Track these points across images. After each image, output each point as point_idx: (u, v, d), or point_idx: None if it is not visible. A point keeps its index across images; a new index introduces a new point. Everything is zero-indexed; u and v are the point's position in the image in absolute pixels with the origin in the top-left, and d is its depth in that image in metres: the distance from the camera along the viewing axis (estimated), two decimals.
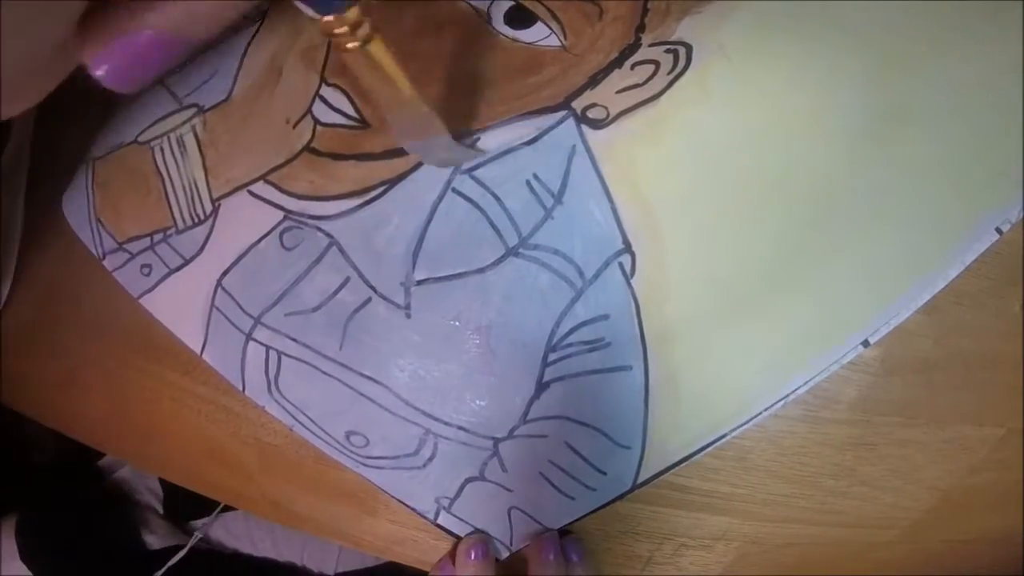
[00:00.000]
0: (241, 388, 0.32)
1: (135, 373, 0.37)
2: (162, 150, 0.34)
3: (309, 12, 0.19)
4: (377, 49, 0.21)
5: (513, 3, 0.30)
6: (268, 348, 0.32)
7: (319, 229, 0.31)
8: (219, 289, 0.32)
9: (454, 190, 0.29)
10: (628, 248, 0.28)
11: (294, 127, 0.32)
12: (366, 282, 0.30)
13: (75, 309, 0.39)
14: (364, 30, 0.20)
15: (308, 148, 0.31)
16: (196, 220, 0.33)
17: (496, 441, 0.30)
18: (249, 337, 0.32)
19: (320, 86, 0.32)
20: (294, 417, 0.32)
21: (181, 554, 0.48)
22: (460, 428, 0.30)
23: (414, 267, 0.29)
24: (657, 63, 0.28)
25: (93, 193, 0.36)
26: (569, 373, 0.29)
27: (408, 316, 0.30)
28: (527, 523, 0.31)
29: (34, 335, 0.41)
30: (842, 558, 0.33)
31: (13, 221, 0.39)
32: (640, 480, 0.29)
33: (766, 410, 0.28)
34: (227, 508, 0.49)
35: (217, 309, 0.32)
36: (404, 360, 0.30)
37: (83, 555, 0.46)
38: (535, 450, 0.29)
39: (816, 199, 0.28)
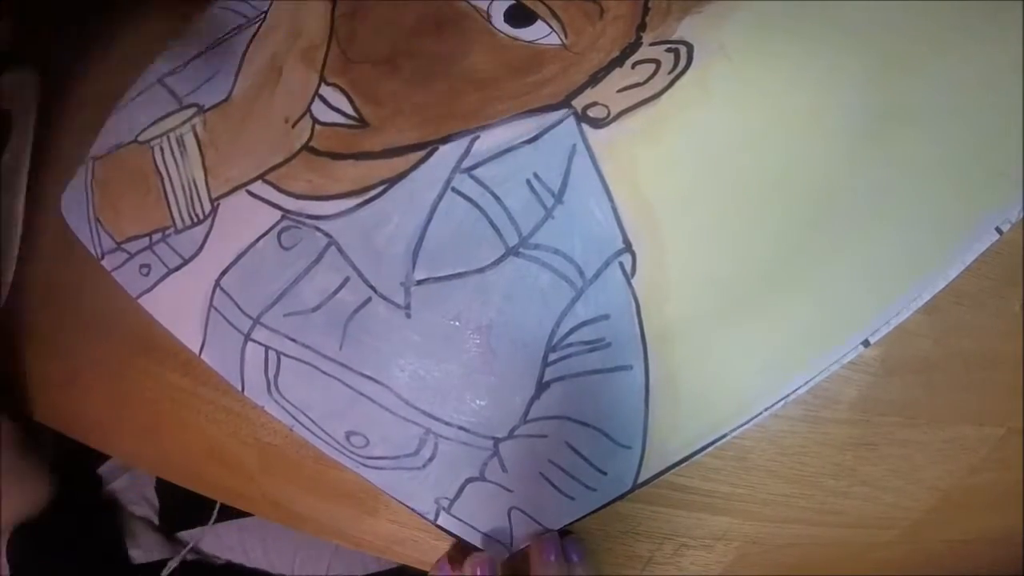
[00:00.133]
0: (240, 388, 0.32)
1: (135, 373, 0.37)
2: (162, 150, 0.34)
3: None
4: None
5: (513, 1, 0.30)
6: (267, 348, 0.32)
7: (317, 229, 0.31)
8: (217, 289, 0.32)
9: (454, 189, 0.29)
10: (628, 248, 0.28)
11: (293, 127, 0.32)
12: (366, 282, 0.30)
13: (75, 309, 0.39)
14: None
15: (306, 147, 0.31)
16: (195, 220, 0.33)
17: (496, 441, 0.30)
18: (248, 338, 0.32)
19: (319, 85, 0.32)
20: (294, 417, 0.32)
21: (170, 568, 0.47)
22: (460, 428, 0.30)
23: (414, 267, 0.29)
24: (658, 62, 0.28)
25: (92, 192, 0.36)
26: (569, 373, 0.29)
27: (408, 316, 0.30)
28: (527, 523, 0.31)
29: (34, 335, 0.41)
30: (842, 558, 0.33)
31: (13, 221, 0.39)
32: (640, 480, 0.29)
33: (766, 410, 0.28)
34: (224, 512, 0.49)
35: (215, 309, 0.32)
36: (404, 360, 0.30)
37: (63, 570, 0.45)
38: (535, 450, 0.29)
39: (816, 199, 0.28)
